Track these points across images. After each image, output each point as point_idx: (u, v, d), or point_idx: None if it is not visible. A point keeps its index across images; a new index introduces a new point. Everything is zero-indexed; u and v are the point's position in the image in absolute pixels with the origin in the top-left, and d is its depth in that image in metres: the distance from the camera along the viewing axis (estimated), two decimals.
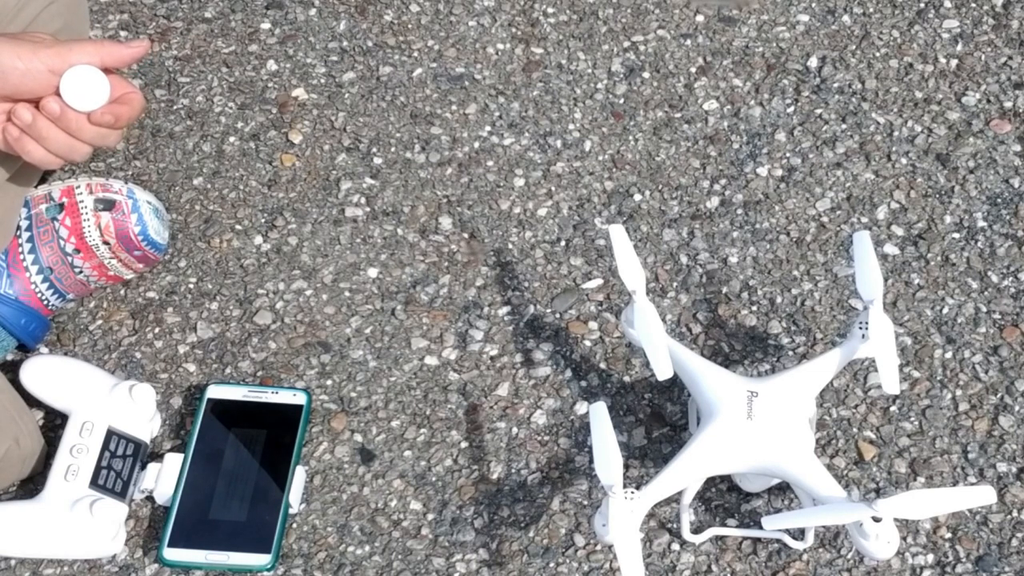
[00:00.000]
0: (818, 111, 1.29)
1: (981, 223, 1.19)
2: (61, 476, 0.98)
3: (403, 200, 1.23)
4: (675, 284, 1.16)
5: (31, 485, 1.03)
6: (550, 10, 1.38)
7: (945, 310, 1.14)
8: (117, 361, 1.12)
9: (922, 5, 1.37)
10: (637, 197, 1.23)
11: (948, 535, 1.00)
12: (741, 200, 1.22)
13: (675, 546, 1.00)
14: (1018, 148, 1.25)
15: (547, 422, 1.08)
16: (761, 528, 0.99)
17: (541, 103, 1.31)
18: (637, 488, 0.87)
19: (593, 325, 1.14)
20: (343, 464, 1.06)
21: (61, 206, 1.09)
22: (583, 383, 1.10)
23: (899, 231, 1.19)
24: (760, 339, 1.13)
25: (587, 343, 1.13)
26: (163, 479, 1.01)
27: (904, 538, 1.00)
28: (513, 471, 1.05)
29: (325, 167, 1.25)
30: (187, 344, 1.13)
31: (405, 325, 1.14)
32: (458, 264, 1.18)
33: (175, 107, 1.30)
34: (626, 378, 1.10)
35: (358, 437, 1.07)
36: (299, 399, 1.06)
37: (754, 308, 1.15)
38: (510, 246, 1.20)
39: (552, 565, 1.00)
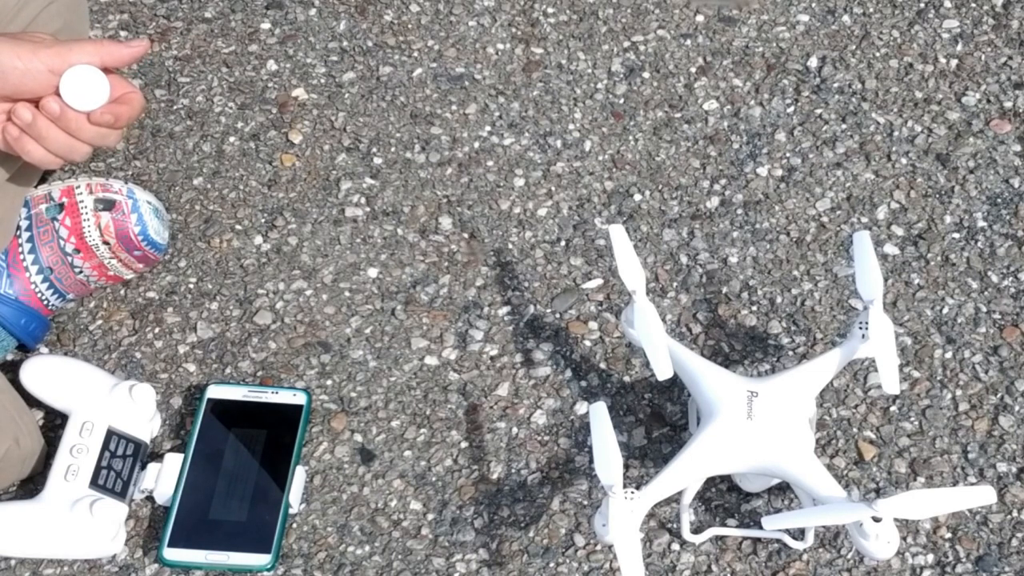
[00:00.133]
0: (818, 111, 1.29)
1: (981, 223, 1.19)
2: (61, 476, 0.98)
3: (403, 200, 1.23)
4: (675, 284, 1.16)
5: (31, 485, 1.03)
6: (550, 10, 1.38)
7: (945, 310, 1.14)
8: (117, 361, 1.12)
9: (922, 5, 1.37)
10: (637, 197, 1.23)
11: (948, 535, 1.00)
12: (741, 200, 1.22)
13: (675, 546, 1.00)
14: (1018, 148, 1.25)
15: (547, 422, 1.08)
16: (761, 528, 0.99)
17: (541, 103, 1.31)
18: (637, 488, 0.87)
19: (593, 325, 1.14)
20: (343, 464, 1.06)
21: (61, 206, 1.09)
22: (583, 383, 1.10)
23: (899, 231, 1.19)
24: (760, 339, 1.13)
25: (587, 343, 1.13)
26: (163, 479, 1.01)
27: (904, 538, 1.00)
28: (513, 471, 1.05)
29: (325, 167, 1.25)
30: (187, 344, 1.13)
31: (405, 325, 1.14)
32: (458, 264, 1.18)
33: (175, 107, 1.30)
34: (626, 378, 1.10)
35: (358, 437, 1.07)
36: (299, 399, 1.06)
37: (754, 308, 1.15)
38: (510, 246, 1.20)
39: (552, 565, 1.00)
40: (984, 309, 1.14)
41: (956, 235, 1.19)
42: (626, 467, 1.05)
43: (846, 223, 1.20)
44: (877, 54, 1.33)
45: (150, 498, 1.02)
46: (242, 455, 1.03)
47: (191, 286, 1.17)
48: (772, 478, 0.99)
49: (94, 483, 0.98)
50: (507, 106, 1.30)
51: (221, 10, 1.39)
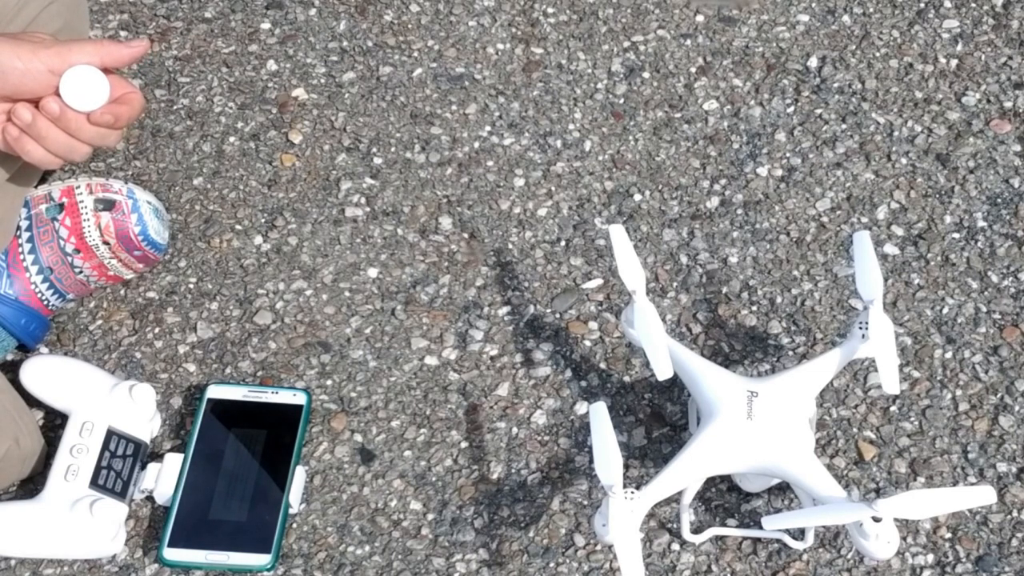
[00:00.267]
0: (818, 111, 1.29)
1: (981, 223, 1.19)
2: (61, 476, 0.98)
3: (403, 200, 1.23)
4: (675, 284, 1.16)
5: (31, 485, 1.03)
6: (550, 10, 1.38)
7: (945, 310, 1.14)
8: (117, 361, 1.12)
9: (922, 5, 1.37)
10: (637, 197, 1.23)
11: (948, 535, 1.00)
12: (741, 200, 1.22)
13: (675, 546, 1.00)
14: (1018, 148, 1.25)
15: (547, 422, 1.08)
16: (761, 528, 0.99)
17: (541, 103, 1.31)
18: (637, 488, 0.87)
19: (593, 325, 1.14)
20: (343, 464, 1.06)
21: (61, 206, 1.09)
22: (583, 383, 1.10)
23: (899, 231, 1.19)
24: (760, 339, 1.13)
25: (587, 343, 1.13)
26: (163, 479, 1.01)
27: (904, 538, 1.00)
28: (513, 471, 1.05)
29: (325, 167, 1.25)
30: (187, 344, 1.13)
31: (405, 325, 1.14)
32: (458, 264, 1.18)
33: (175, 107, 1.30)
34: (626, 378, 1.10)
35: (358, 437, 1.07)
36: (299, 399, 1.06)
37: (754, 308, 1.15)
38: (510, 246, 1.20)
39: (552, 565, 1.00)
40: (984, 309, 1.14)
41: (956, 235, 1.19)
42: (626, 467, 1.05)
43: (846, 223, 1.20)
44: (877, 54, 1.33)
45: (150, 498, 1.02)
46: (242, 455, 1.03)
47: (191, 286, 1.17)
48: (772, 478, 0.99)
49: (94, 483, 0.98)
50: (507, 106, 1.30)
51: (221, 10, 1.39)
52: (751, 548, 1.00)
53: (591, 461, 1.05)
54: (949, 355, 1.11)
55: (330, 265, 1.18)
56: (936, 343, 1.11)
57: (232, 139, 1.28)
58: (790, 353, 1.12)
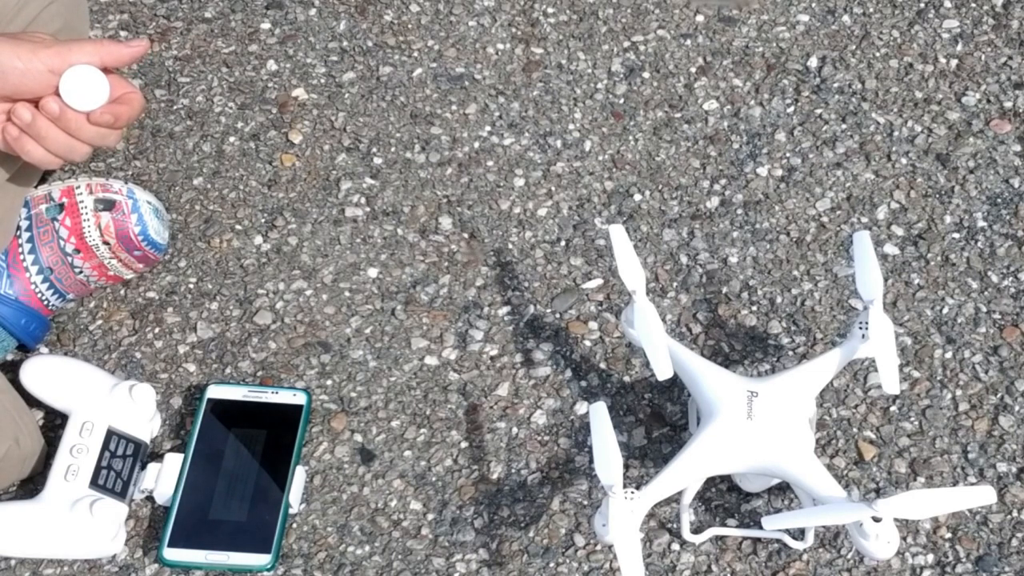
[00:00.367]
0: (818, 111, 1.29)
1: (981, 223, 1.19)
2: (61, 476, 0.98)
3: (403, 200, 1.23)
4: (675, 284, 1.16)
5: (31, 485, 1.03)
6: (550, 10, 1.38)
7: (945, 310, 1.14)
8: (117, 361, 1.12)
9: (922, 5, 1.37)
10: (637, 197, 1.23)
11: (948, 535, 1.00)
12: (741, 200, 1.22)
13: (675, 546, 1.00)
14: (1018, 148, 1.25)
15: (547, 422, 1.08)
16: (761, 528, 0.99)
17: (541, 103, 1.31)
18: (637, 488, 0.87)
19: (593, 325, 1.14)
20: (343, 464, 1.06)
21: (61, 206, 1.09)
22: (583, 383, 1.10)
23: (899, 231, 1.19)
24: (760, 339, 1.13)
25: (587, 343, 1.13)
26: (163, 479, 1.01)
27: (904, 538, 1.00)
28: (513, 471, 1.05)
29: (325, 167, 1.25)
30: (187, 344, 1.13)
31: (405, 325, 1.14)
32: (458, 264, 1.18)
33: (175, 107, 1.30)
34: (626, 378, 1.10)
35: (358, 437, 1.07)
36: (299, 399, 1.06)
37: (754, 308, 1.15)
38: (510, 246, 1.20)
39: (552, 565, 1.00)
40: (984, 309, 1.14)
41: (956, 235, 1.19)
42: (626, 467, 1.05)
43: (846, 223, 1.20)
44: (877, 54, 1.33)
45: (150, 498, 1.02)
46: (242, 455, 1.03)
47: (191, 286, 1.17)
48: (772, 478, 0.99)
49: (94, 483, 0.98)
50: (507, 106, 1.30)
51: (221, 10, 1.39)
52: (751, 548, 1.00)
53: (591, 461, 1.05)
54: (949, 355, 1.11)
55: (330, 265, 1.18)
56: (936, 343, 1.11)
57: (232, 139, 1.28)
58: (790, 353, 1.12)
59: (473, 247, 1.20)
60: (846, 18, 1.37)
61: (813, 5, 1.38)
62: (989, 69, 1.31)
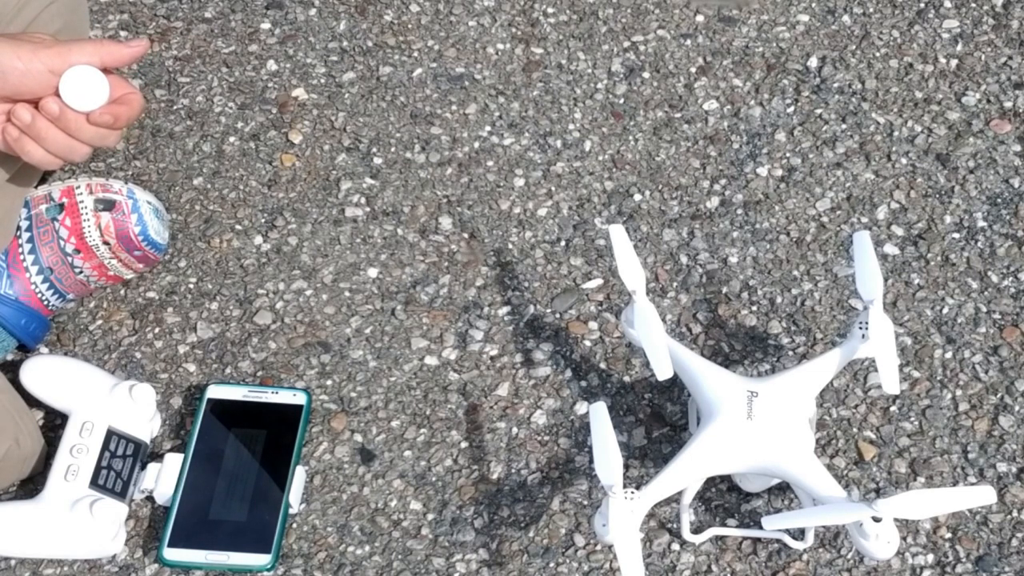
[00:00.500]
0: (818, 111, 1.29)
1: (981, 223, 1.19)
2: (61, 476, 0.98)
3: (403, 200, 1.23)
4: (675, 284, 1.16)
5: (31, 485, 1.03)
6: (550, 10, 1.38)
7: (945, 310, 1.14)
8: (117, 361, 1.12)
9: (922, 5, 1.37)
10: (637, 197, 1.23)
11: (948, 535, 1.00)
12: (741, 200, 1.22)
13: (675, 546, 1.00)
14: (1018, 148, 1.25)
15: (547, 422, 1.08)
16: (761, 528, 0.99)
17: (541, 103, 1.31)
18: (637, 488, 0.87)
19: (593, 325, 1.14)
20: (343, 464, 1.06)
21: (61, 206, 1.09)
22: (583, 383, 1.10)
23: (899, 231, 1.19)
24: (760, 339, 1.13)
25: (587, 343, 1.13)
26: (163, 479, 1.01)
27: (904, 538, 1.00)
28: (513, 471, 1.05)
29: (325, 167, 1.26)
30: (187, 344, 1.13)
31: (405, 325, 1.14)
32: (458, 264, 1.18)
33: (175, 107, 1.30)
34: (626, 378, 1.10)
35: (358, 437, 1.07)
36: (299, 399, 1.06)
37: (754, 308, 1.15)
38: (510, 246, 1.20)
39: (552, 565, 1.00)
40: (984, 309, 1.14)
41: (956, 235, 1.19)
42: (626, 467, 1.05)
43: (846, 223, 1.20)
44: (877, 54, 1.33)
45: (150, 498, 1.02)
46: (242, 455, 1.03)
47: (191, 286, 1.17)
48: (772, 478, 0.99)
49: (94, 483, 0.98)
50: (507, 106, 1.30)
51: (221, 10, 1.39)
52: (751, 548, 1.00)
53: (591, 461, 1.05)
54: (949, 355, 1.11)
55: (330, 265, 1.18)
56: (936, 343, 1.11)
57: (232, 139, 1.28)
58: (790, 353, 1.12)
59: (473, 247, 1.20)
60: (846, 18, 1.37)
61: (813, 5, 1.38)
62: (989, 69, 1.31)
